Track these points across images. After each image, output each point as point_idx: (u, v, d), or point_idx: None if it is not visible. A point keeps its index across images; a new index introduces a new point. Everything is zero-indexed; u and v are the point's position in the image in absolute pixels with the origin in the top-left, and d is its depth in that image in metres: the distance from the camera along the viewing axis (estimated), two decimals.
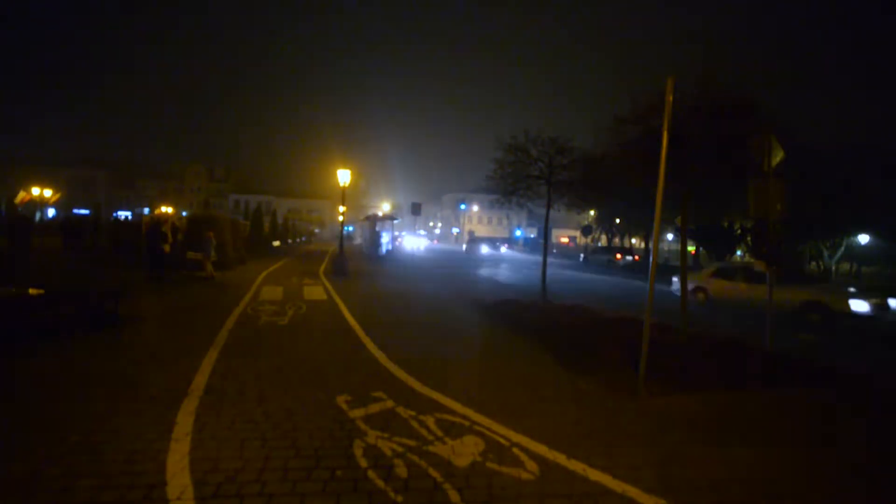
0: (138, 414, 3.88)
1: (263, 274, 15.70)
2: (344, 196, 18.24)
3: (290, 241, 43.43)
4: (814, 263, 27.46)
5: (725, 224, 27.89)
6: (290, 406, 4.18)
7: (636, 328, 5.99)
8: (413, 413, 4.09)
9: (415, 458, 3.30)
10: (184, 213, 45.21)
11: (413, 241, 46.93)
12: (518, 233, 60.62)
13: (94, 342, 6.16)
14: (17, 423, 3.70)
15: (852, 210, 21.24)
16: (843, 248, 25.63)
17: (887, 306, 10.12)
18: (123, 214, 58.44)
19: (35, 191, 34.04)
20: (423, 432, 3.71)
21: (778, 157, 5.96)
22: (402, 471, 3.12)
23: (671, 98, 4.80)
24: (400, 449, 3.41)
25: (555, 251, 46.99)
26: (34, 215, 35.73)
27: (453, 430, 3.77)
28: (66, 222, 21.82)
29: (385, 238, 30.96)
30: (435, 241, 73.63)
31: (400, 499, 2.82)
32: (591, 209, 39.35)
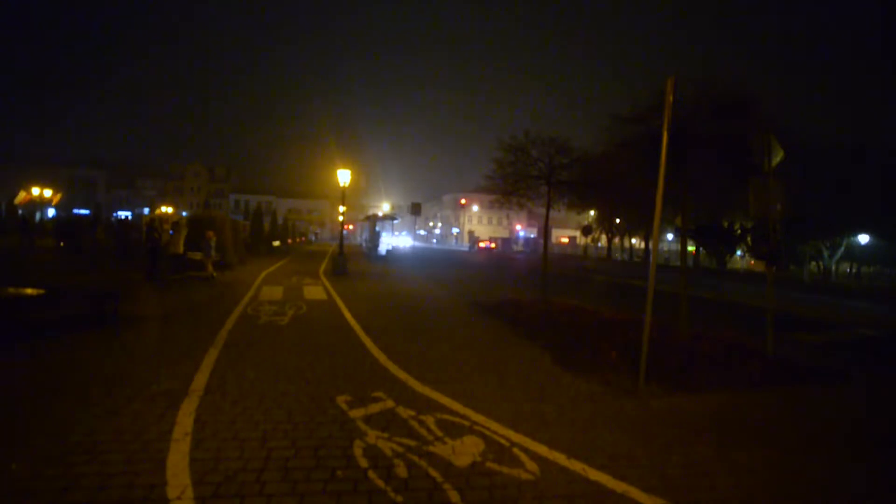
0: (138, 414, 3.88)
1: (263, 274, 15.70)
2: (344, 196, 18.25)
3: (290, 240, 43.43)
4: (814, 263, 27.45)
5: (725, 224, 27.90)
6: (290, 406, 4.18)
7: (636, 328, 5.99)
8: (413, 413, 4.09)
9: (415, 458, 3.30)
10: (184, 213, 45.20)
11: (396, 241, 47.38)
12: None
13: (94, 342, 6.15)
14: (17, 423, 3.69)
15: (852, 210, 21.25)
16: (842, 248, 25.63)
17: None
18: (123, 214, 58.45)
19: (35, 191, 34.03)
20: (423, 432, 3.71)
21: (778, 156, 5.96)
22: (402, 471, 3.11)
23: (671, 98, 4.80)
24: (400, 449, 3.41)
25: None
26: (34, 215, 35.74)
27: (453, 431, 3.77)
28: (61, 222, 21.83)
29: (385, 238, 30.92)
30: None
31: (400, 499, 2.82)
32: (591, 209, 39.42)
